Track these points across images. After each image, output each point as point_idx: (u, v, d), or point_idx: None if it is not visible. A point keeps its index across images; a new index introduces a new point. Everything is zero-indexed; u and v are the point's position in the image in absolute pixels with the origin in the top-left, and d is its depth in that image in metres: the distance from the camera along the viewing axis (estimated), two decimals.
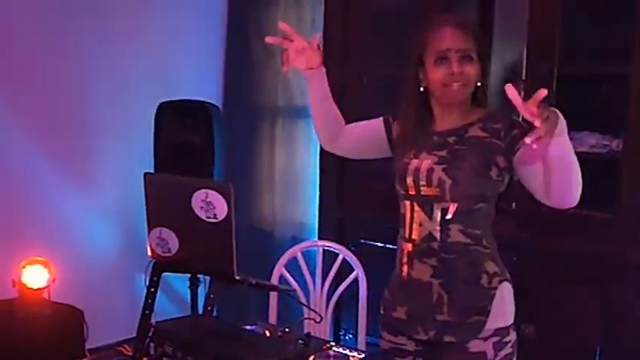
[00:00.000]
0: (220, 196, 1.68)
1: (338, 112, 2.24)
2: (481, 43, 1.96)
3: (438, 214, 1.92)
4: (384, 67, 3.12)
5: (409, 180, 1.97)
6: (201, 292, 3.16)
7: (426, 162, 1.95)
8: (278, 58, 3.69)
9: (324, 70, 2.16)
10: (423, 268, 1.94)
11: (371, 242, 3.05)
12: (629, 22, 2.38)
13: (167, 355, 1.78)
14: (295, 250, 2.76)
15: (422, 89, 2.00)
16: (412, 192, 1.97)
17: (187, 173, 2.32)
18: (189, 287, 3.17)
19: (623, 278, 2.39)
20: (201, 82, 3.78)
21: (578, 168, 1.80)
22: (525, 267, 2.34)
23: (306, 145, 3.63)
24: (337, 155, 3.18)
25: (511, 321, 1.95)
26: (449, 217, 1.91)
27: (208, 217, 1.70)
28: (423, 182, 1.94)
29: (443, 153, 1.94)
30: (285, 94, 3.72)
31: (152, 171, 3.01)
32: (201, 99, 3.19)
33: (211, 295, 1.73)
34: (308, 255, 2.80)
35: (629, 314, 2.37)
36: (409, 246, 1.98)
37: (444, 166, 1.91)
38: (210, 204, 1.69)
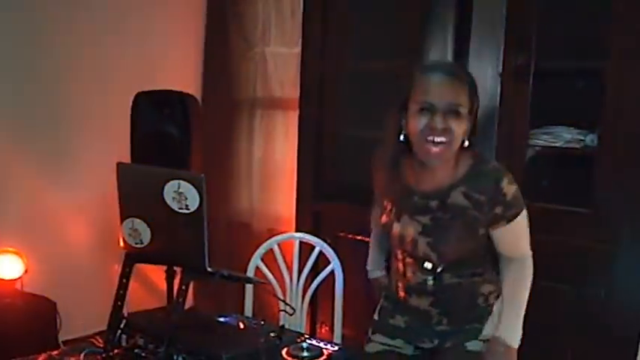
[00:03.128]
0: (192, 187, 1.67)
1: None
2: (472, 95, 1.78)
3: (428, 267, 1.90)
4: (363, 60, 3.11)
5: (394, 238, 1.94)
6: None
7: (409, 230, 1.89)
8: (257, 49, 3.69)
9: None
10: (420, 300, 1.97)
11: (348, 235, 3.05)
12: (605, 18, 2.39)
13: (139, 347, 1.77)
14: (272, 242, 2.75)
15: (402, 138, 1.82)
16: (401, 247, 1.95)
17: (164, 164, 2.29)
18: (166, 279, 3.15)
19: (596, 273, 2.41)
20: (180, 72, 3.76)
21: (525, 298, 1.93)
22: None
23: (284, 136, 3.63)
24: (315, 147, 3.21)
25: None
26: (439, 270, 1.90)
27: (180, 209, 1.69)
28: (409, 250, 1.92)
29: (426, 220, 1.86)
30: (263, 85, 3.71)
31: (128, 162, 2.98)
32: (179, 90, 3.16)
33: (183, 287, 1.71)
34: (286, 247, 2.79)
35: (601, 308, 2.39)
36: (405, 281, 1.98)
37: (429, 239, 1.86)
38: (182, 195, 1.68)
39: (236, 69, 3.78)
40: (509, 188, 1.80)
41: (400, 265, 1.98)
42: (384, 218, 1.97)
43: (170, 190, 1.69)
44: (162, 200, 1.70)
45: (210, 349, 1.63)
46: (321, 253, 2.73)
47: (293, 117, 3.44)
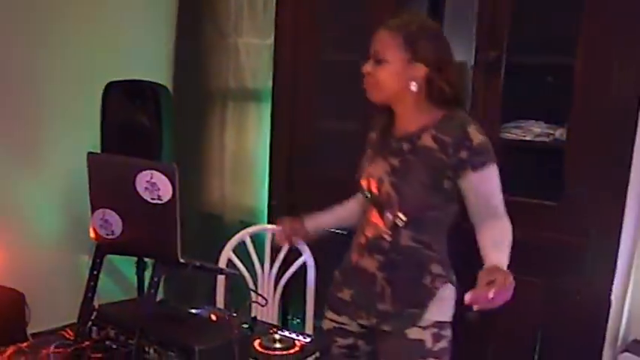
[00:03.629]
0: (165, 178, 1.65)
1: (349, 210, 2.27)
2: (413, 46, 1.91)
3: (389, 219, 1.95)
4: (336, 51, 3.11)
5: (364, 183, 2.02)
6: (149, 275, 3.12)
7: (377, 170, 1.98)
8: (230, 40, 3.67)
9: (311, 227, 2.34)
10: (370, 261, 2.00)
11: None
12: (575, 15, 2.42)
13: (110, 339, 1.75)
14: (244, 234, 2.74)
15: None
16: (368, 195, 2.01)
17: (135, 155, 2.26)
18: (136, 270, 3.13)
19: (566, 265, 2.45)
20: (151, 62, 3.72)
21: (509, 245, 1.87)
22: (472, 253, 2.36)
23: (257, 128, 3.61)
24: (287, 138, 3.20)
25: (450, 319, 2.01)
26: (398, 223, 1.94)
27: (152, 199, 1.67)
28: (374, 190, 1.98)
29: (395, 162, 1.95)
30: (236, 76, 3.68)
31: (99, 152, 2.95)
32: (151, 79, 3.13)
33: (155, 279, 1.70)
34: (257, 239, 2.78)
35: (570, 300, 2.43)
36: (363, 239, 2.03)
37: (392, 179, 1.93)
38: (155, 185, 1.66)
39: (208, 59, 3.75)
40: (476, 135, 1.87)
41: (364, 218, 2.03)
42: (363, 164, 2.07)
43: (142, 180, 1.67)
44: (134, 191, 1.68)
45: (182, 341, 1.62)
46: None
47: (266, 108, 3.43)
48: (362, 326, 2.07)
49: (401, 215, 1.93)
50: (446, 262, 2.02)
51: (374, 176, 1.99)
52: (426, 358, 1.96)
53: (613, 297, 2.37)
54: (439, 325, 1.98)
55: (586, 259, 2.40)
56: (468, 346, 2.53)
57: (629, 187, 2.33)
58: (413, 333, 1.96)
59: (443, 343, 1.98)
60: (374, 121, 2.15)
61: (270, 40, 3.38)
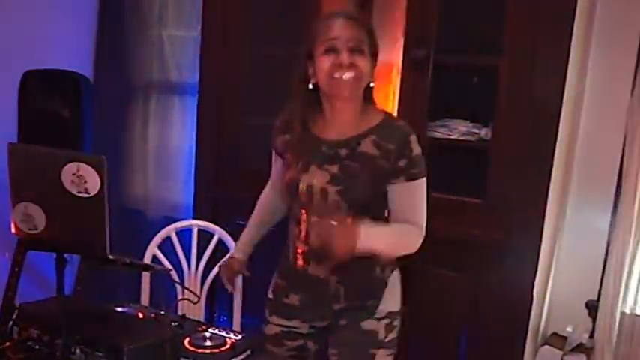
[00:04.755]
0: (93, 170, 1.59)
1: (272, 212, 2.22)
2: (373, 39, 1.85)
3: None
4: (266, 46, 3.08)
5: (302, 196, 1.90)
6: (68, 272, 3.00)
7: (317, 180, 1.87)
8: (154, 31, 3.58)
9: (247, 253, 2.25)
10: (320, 268, 1.94)
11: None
12: (500, 17, 2.48)
13: (32, 339, 1.68)
14: (170, 230, 2.68)
15: (311, 86, 1.88)
16: (307, 203, 1.91)
17: (54, 147, 2.19)
18: (56, 267, 3.00)
19: (489, 261, 2.51)
20: (72, 52, 3.57)
21: (401, 244, 1.88)
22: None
23: (182, 122, 3.55)
24: (214, 134, 3.15)
25: (399, 307, 2.01)
26: None
27: (79, 192, 1.61)
28: (317, 202, 1.88)
29: (334, 169, 1.86)
30: (160, 69, 3.60)
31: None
32: (71, 69, 3.01)
33: (81, 275, 1.63)
34: (182, 235, 2.73)
35: (493, 295, 2.50)
36: (305, 247, 1.94)
37: (339, 188, 1.85)
38: (82, 178, 1.60)
39: (131, 51, 3.64)
40: (416, 147, 1.87)
41: (303, 227, 1.93)
42: (287, 175, 1.94)
43: (69, 172, 1.61)
44: (59, 183, 1.62)
45: (110, 341, 1.56)
46: (220, 241, 2.70)
47: (191, 102, 3.37)
48: (313, 327, 2.04)
49: (348, 220, 1.86)
50: None
51: (315, 187, 1.87)
52: (378, 349, 1.96)
53: (535, 292, 2.45)
54: (392, 315, 1.98)
55: (509, 256, 2.47)
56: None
57: (551, 186, 2.41)
58: (367, 324, 1.96)
59: (394, 334, 1.99)
60: (282, 122, 2.01)
61: (196, 33, 3.32)
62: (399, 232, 1.88)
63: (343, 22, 1.80)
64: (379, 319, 1.96)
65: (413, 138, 1.86)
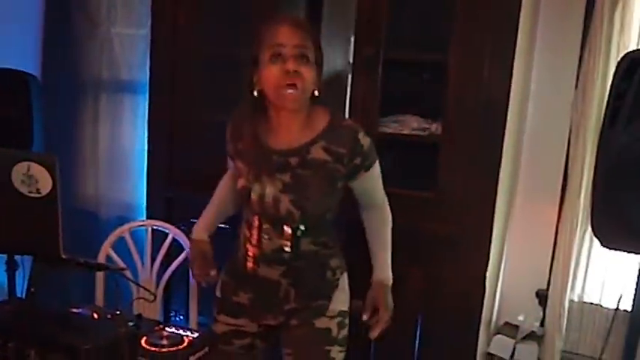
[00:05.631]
0: (44, 170, 1.58)
1: (226, 203, 2.21)
2: (318, 47, 1.86)
3: (288, 232, 1.91)
4: (219, 45, 3.07)
5: (254, 205, 1.91)
6: (20, 274, 2.94)
7: (269, 189, 1.88)
8: (102, 29, 3.53)
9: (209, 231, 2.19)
10: (271, 270, 1.96)
11: None
12: (449, 13, 2.53)
13: None
14: (123, 230, 2.65)
15: (256, 93, 1.87)
16: (260, 211, 1.92)
17: (3, 147, 2.14)
18: (6, 270, 2.93)
19: (442, 253, 2.55)
20: (19, 51, 3.49)
21: (389, 235, 2.15)
22: (355, 244, 2.43)
23: (133, 121, 3.51)
24: (165, 133, 3.12)
25: (348, 306, 2.07)
26: (299, 234, 1.91)
27: (30, 192, 1.59)
28: (270, 210, 1.90)
29: (286, 178, 1.88)
30: (109, 67, 3.55)
31: None
32: (18, 69, 2.95)
33: (35, 276, 1.61)
34: (136, 235, 2.70)
35: (446, 286, 2.54)
36: (256, 251, 1.95)
37: (291, 196, 1.87)
38: (33, 178, 1.59)
39: (79, 49, 3.58)
40: (365, 140, 1.93)
41: (255, 232, 1.94)
42: (240, 182, 1.95)
43: (19, 172, 1.59)
44: (9, 184, 1.60)
45: (66, 342, 1.55)
46: (174, 240, 2.69)
47: (142, 101, 3.33)
48: (262, 326, 2.05)
49: (302, 227, 1.90)
50: (340, 253, 2.07)
51: (268, 196, 1.89)
52: (332, 346, 1.99)
53: (487, 283, 2.51)
54: (343, 314, 2.04)
55: (461, 248, 2.52)
56: (350, 334, 2.60)
57: (500, 179, 2.47)
58: (320, 322, 1.99)
59: (345, 331, 2.04)
60: (233, 129, 2.02)
61: (146, 30, 3.29)
62: (387, 233, 2.12)
63: (289, 29, 1.80)
64: (331, 317, 2.00)
65: (361, 134, 1.91)
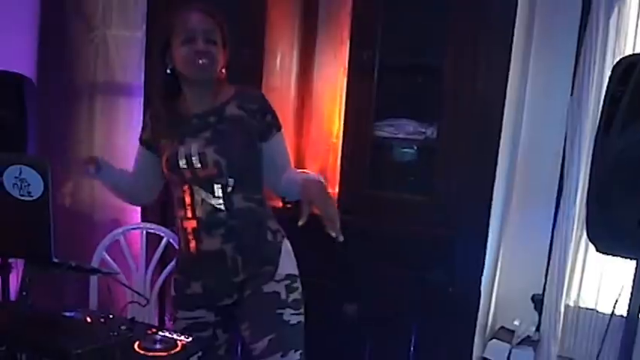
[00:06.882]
0: (36, 173, 1.57)
1: (128, 178, 2.22)
2: (224, 32, 2.03)
3: (219, 190, 1.98)
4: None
5: (182, 165, 1.99)
6: (13, 278, 2.93)
7: (194, 146, 1.98)
8: (97, 31, 3.52)
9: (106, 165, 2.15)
10: (212, 239, 2.01)
11: None
12: (445, 17, 2.53)
13: None
14: (118, 233, 2.64)
15: (169, 71, 2.04)
16: (189, 176, 1.99)
17: None
18: None
19: (437, 258, 2.55)
20: (14, 53, 3.48)
21: None
22: (349, 248, 2.44)
23: (127, 123, 3.49)
24: None
25: (297, 272, 2.11)
26: (229, 189, 1.98)
27: (22, 196, 1.58)
28: (197, 166, 1.97)
29: (207, 134, 2.00)
30: (104, 69, 3.53)
31: None
32: (13, 70, 2.94)
33: (27, 280, 1.60)
34: (131, 238, 2.69)
35: (442, 291, 2.54)
36: (194, 223, 2.01)
37: (215, 146, 1.97)
38: (25, 181, 1.58)
39: (75, 52, 3.57)
40: (271, 104, 2.10)
41: (189, 204, 2.00)
42: (166, 154, 2.03)
43: (11, 175, 1.58)
44: (1, 187, 1.58)
45: (58, 346, 1.54)
46: (169, 243, 2.68)
47: (136, 103, 3.33)
48: (219, 312, 2.09)
49: (230, 181, 1.98)
50: (274, 218, 2.13)
51: (193, 153, 1.98)
52: (283, 309, 2.03)
53: (482, 288, 2.50)
54: (291, 277, 2.08)
55: (456, 253, 2.52)
56: (345, 340, 2.59)
57: (495, 183, 2.47)
58: (268, 287, 2.04)
59: (295, 295, 2.07)
60: (150, 116, 2.14)
61: (141, 33, 3.28)
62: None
63: (199, 16, 2.00)
64: (278, 281, 2.05)
65: (267, 97, 2.11)
